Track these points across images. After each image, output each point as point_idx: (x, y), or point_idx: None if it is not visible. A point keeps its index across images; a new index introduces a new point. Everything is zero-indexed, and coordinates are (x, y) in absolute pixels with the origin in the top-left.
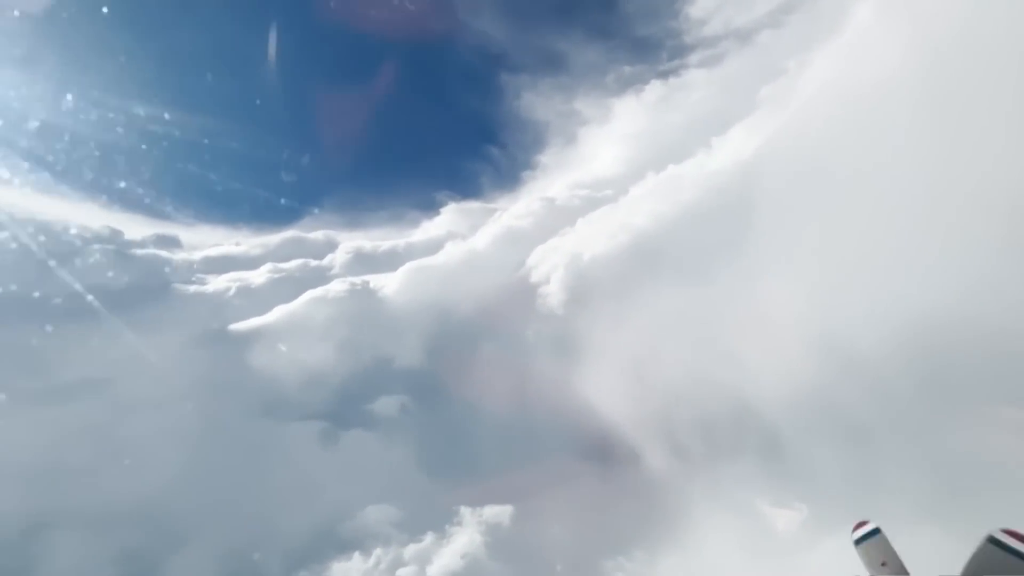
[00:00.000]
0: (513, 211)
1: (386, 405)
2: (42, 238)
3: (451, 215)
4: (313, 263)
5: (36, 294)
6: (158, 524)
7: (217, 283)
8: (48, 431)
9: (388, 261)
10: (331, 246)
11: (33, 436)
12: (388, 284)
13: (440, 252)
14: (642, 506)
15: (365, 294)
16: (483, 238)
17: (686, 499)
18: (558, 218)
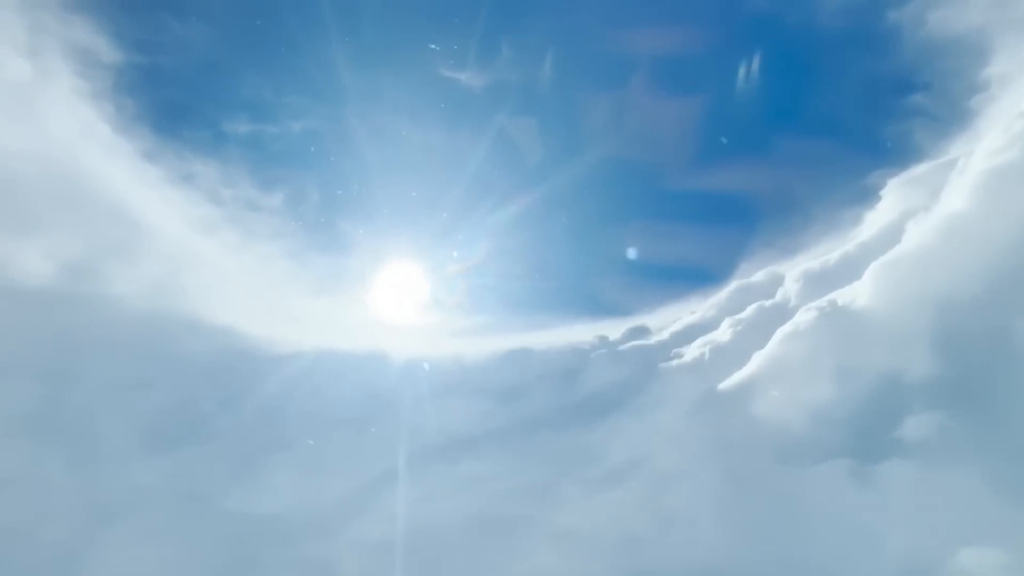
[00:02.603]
0: (984, 149)
1: (918, 427)
2: (559, 357)
3: (896, 192)
4: (767, 303)
5: (571, 401)
6: None
7: (691, 352)
8: (614, 509)
9: (846, 271)
10: (777, 281)
11: (604, 515)
12: (858, 295)
13: (903, 237)
14: None
15: (836, 313)
16: (955, 199)
17: None
18: None
